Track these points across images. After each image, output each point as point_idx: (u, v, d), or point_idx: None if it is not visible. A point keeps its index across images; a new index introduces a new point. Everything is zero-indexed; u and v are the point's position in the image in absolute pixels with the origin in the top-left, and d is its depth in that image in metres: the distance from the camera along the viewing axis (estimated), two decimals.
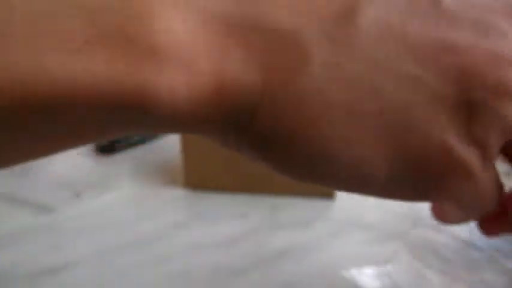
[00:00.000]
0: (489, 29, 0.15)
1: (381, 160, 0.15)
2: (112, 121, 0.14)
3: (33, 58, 0.12)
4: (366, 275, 0.26)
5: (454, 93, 0.14)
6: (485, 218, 0.21)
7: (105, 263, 0.32)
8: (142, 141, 0.58)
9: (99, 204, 0.41)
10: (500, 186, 0.18)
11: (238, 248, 0.33)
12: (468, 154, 0.15)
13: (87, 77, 0.12)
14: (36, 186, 0.43)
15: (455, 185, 0.15)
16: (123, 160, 0.52)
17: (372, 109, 0.14)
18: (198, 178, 0.43)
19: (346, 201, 0.41)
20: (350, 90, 0.14)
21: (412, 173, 0.15)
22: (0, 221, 0.38)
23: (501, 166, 0.43)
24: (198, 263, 0.31)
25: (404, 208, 0.35)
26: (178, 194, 0.43)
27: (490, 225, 0.22)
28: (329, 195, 0.40)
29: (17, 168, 0.46)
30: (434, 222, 0.32)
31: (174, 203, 0.41)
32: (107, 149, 0.54)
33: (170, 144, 0.57)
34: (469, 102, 0.14)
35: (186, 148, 0.42)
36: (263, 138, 0.15)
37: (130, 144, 0.56)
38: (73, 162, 0.48)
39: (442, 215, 0.21)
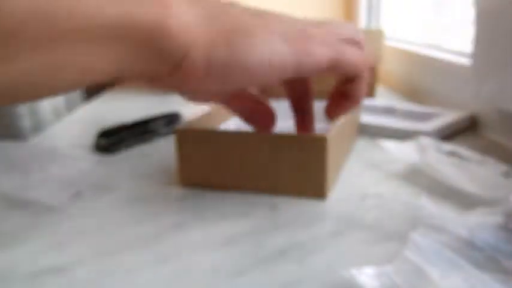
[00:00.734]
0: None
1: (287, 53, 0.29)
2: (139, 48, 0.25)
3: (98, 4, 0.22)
4: (366, 275, 0.26)
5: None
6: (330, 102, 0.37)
7: (105, 263, 0.32)
8: (142, 141, 0.58)
9: (99, 204, 0.41)
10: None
11: (238, 248, 0.33)
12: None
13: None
14: (36, 186, 0.43)
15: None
16: (123, 160, 0.52)
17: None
18: (192, 176, 0.43)
19: (346, 201, 0.41)
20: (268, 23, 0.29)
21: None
22: (0, 221, 0.38)
23: (500, 166, 0.43)
24: (198, 263, 0.31)
25: (404, 208, 0.35)
26: (178, 194, 0.43)
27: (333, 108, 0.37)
28: (321, 195, 0.41)
29: (18, 168, 0.46)
30: (434, 222, 0.32)
31: (173, 203, 0.41)
32: (107, 149, 0.54)
33: (170, 144, 0.57)
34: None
35: (180, 148, 0.43)
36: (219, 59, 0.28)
37: (130, 144, 0.56)
38: (73, 163, 0.48)
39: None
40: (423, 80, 0.84)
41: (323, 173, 0.40)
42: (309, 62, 0.30)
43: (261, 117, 0.39)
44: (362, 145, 0.56)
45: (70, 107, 0.82)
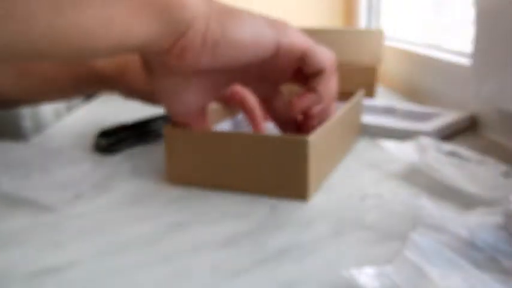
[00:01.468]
0: None
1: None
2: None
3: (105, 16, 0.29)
4: (366, 275, 0.26)
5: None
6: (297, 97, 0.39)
7: (105, 263, 0.32)
8: (142, 141, 0.58)
9: (99, 204, 0.41)
10: None
11: (238, 248, 0.33)
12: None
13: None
14: (36, 186, 0.43)
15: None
16: (123, 160, 0.52)
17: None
18: (178, 175, 0.44)
19: (346, 201, 0.41)
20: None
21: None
22: (0, 221, 0.38)
23: (500, 166, 0.43)
24: (198, 263, 0.31)
25: (404, 208, 0.35)
26: (178, 194, 0.43)
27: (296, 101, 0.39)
28: (303, 197, 0.41)
29: (18, 168, 0.46)
30: (434, 222, 0.32)
31: (174, 203, 0.41)
32: (106, 149, 0.54)
33: None
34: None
35: (169, 147, 0.43)
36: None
37: (130, 144, 0.56)
38: (73, 163, 0.48)
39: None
40: (423, 80, 0.84)
41: (305, 175, 0.40)
42: (286, 43, 0.36)
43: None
44: (362, 145, 0.56)
45: (70, 107, 0.82)
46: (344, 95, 0.54)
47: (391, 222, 0.36)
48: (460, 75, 0.69)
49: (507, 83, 0.52)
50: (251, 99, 0.51)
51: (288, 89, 0.44)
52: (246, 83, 0.42)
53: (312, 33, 0.86)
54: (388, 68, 0.99)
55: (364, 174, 0.47)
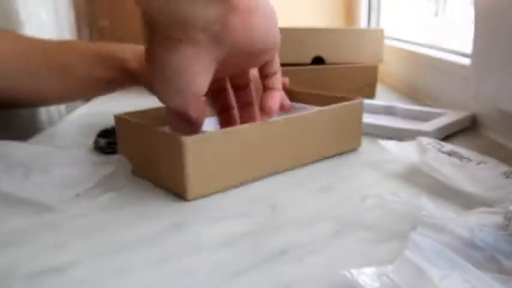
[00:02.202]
0: None
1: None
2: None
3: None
4: (366, 275, 0.26)
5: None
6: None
7: (105, 263, 0.32)
8: None
9: (99, 204, 0.41)
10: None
11: (238, 248, 0.33)
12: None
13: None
14: (36, 186, 0.43)
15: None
16: (123, 160, 0.52)
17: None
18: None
19: (346, 201, 0.41)
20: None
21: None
22: (0, 221, 0.38)
23: (500, 166, 0.43)
24: (198, 263, 0.31)
25: (404, 208, 0.35)
26: (178, 194, 0.43)
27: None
28: (182, 195, 0.41)
29: (18, 168, 0.46)
30: (434, 222, 0.32)
31: (173, 203, 0.41)
32: (105, 149, 0.54)
33: None
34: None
35: (118, 132, 0.44)
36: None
37: None
38: (73, 163, 0.48)
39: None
40: (423, 80, 0.84)
41: (183, 173, 0.40)
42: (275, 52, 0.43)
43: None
44: (362, 145, 0.56)
45: (70, 108, 0.82)
46: (342, 99, 0.53)
47: (391, 222, 0.36)
48: (460, 75, 0.69)
49: (507, 83, 0.52)
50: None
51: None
52: (234, 70, 0.44)
53: (312, 33, 0.86)
54: (388, 67, 0.99)
55: (364, 174, 0.47)
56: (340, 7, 1.39)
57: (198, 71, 0.37)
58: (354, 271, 0.26)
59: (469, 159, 0.45)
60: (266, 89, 0.44)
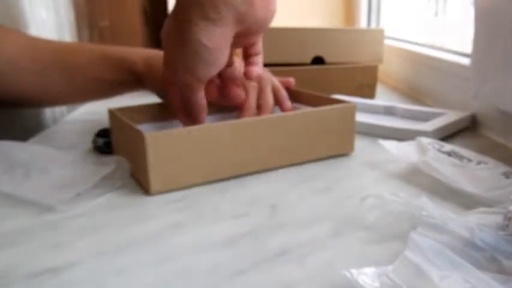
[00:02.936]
0: None
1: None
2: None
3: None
4: (366, 275, 0.26)
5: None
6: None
7: (105, 263, 0.32)
8: None
9: (99, 204, 0.41)
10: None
11: (238, 248, 0.33)
12: None
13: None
14: (36, 186, 0.43)
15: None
16: (122, 160, 0.52)
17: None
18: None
19: (346, 201, 0.41)
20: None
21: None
22: (0, 221, 0.38)
23: (500, 166, 0.43)
24: (198, 263, 0.31)
25: (404, 208, 0.35)
26: (178, 194, 0.43)
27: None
28: (146, 190, 0.42)
29: (18, 168, 0.46)
30: (434, 222, 0.32)
31: (173, 203, 0.41)
32: (104, 148, 0.54)
33: None
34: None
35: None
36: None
37: None
38: (73, 163, 0.48)
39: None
40: (423, 80, 0.84)
41: (146, 168, 0.41)
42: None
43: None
44: (362, 145, 0.56)
45: (70, 107, 0.82)
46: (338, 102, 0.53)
47: (391, 222, 0.36)
48: (460, 75, 0.69)
49: (507, 83, 0.52)
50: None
51: None
52: (239, 45, 0.47)
53: (312, 33, 0.86)
54: (388, 67, 0.99)
55: (364, 174, 0.47)
56: (340, 7, 1.39)
57: (226, 47, 0.41)
58: (354, 271, 0.26)
59: (469, 159, 0.45)
60: (250, 65, 0.47)
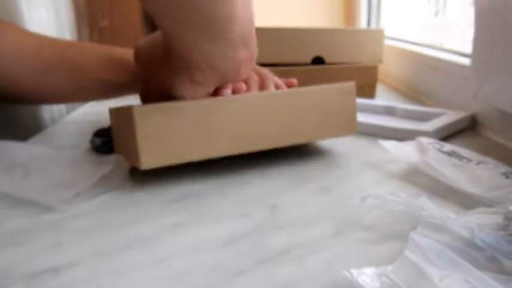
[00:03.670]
0: None
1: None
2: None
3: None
4: (366, 275, 0.26)
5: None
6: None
7: (105, 263, 0.32)
8: None
9: (98, 204, 0.41)
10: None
11: (238, 248, 0.33)
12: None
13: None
14: (36, 186, 0.43)
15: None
16: (122, 159, 0.52)
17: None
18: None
19: (346, 201, 0.41)
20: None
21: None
22: (0, 221, 0.38)
23: (500, 166, 0.43)
24: (198, 263, 0.31)
25: (404, 208, 0.35)
26: (177, 194, 0.43)
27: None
28: (137, 165, 0.42)
29: (18, 168, 0.46)
30: (434, 222, 0.32)
31: (173, 203, 0.41)
32: (101, 148, 0.54)
33: None
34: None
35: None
36: None
37: None
38: (73, 163, 0.48)
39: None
40: (423, 80, 0.84)
41: (135, 143, 0.41)
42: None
43: None
44: (362, 145, 0.56)
45: (70, 108, 0.82)
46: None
47: (391, 222, 0.36)
48: (460, 75, 0.69)
49: (507, 83, 0.52)
50: None
51: None
52: None
53: (312, 33, 0.86)
54: (388, 68, 0.99)
55: (364, 174, 0.47)
56: (340, 7, 1.39)
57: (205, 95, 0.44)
58: (354, 271, 0.26)
59: (469, 160, 0.45)
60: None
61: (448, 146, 0.48)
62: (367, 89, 0.83)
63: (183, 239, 0.35)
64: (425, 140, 0.49)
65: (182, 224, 0.37)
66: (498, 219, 0.32)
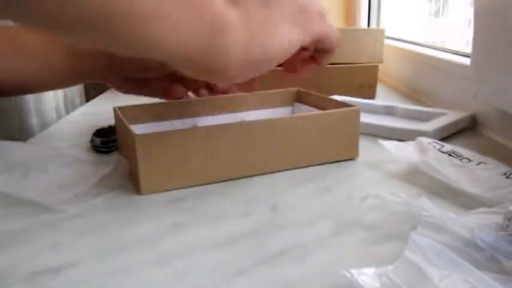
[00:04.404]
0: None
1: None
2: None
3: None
4: (366, 275, 0.26)
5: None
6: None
7: (105, 263, 0.32)
8: None
9: (98, 204, 0.41)
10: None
11: (238, 248, 0.33)
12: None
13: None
14: (36, 186, 0.43)
15: None
16: (121, 159, 0.52)
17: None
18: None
19: (346, 201, 0.41)
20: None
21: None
22: (0, 221, 0.38)
23: (500, 166, 0.43)
24: (198, 263, 0.31)
25: (404, 208, 0.35)
26: (178, 194, 0.43)
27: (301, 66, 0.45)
28: (138, 191, 0.42)
29: (17, 168, 0.46)
30: (434, 222, 0.32)
31: (173, 203, 0.41)
32: (101, 148, 0.54)
33: None
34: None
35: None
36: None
37: None
38: (72, 163, 0.48)
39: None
40: (423, 80, 0.84)
41: (137, 169, 0.41)
42: (308, 37, 0.39)
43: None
44: (362, 145, 0.56)
45: (69, 108, 0.82)
46: (340, 105, 0.52)
47: (391, 222, 0.36)
48: (460, 75, 0.69)
49: (507, 83, 0.52)
50: None
51: None
52: None
53: None
54: (388, 67, 0.99)
55: (364, 174, 0.47)
56: (340, 7, 1.39)
57: None
58: (354, 271, 0.26)
59: (469, 160, 0.45)
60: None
61: (448, 146, 0.48)
62: (367, 89, 0.83)
63: (183, 239, 0.35)
64: (425, 140, 0.49)
65: (182, 224, 0.37)
66: (498, 219, 0.32)
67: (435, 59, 0.79)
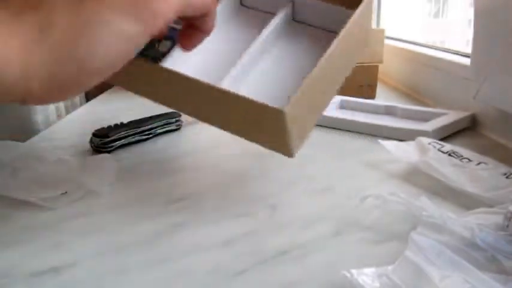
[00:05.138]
0: None
1: None
2: None
3: None
4: (366, 275, 0.26)
5: None
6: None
7: (105, 263, 0.32)
8: (139, 140, 0.58)
9: (98, 204, 0.41)
10: None
11: (238, 248, 0.33)
12: None
13: None
14: (35, 186, 0.43)
15: None
16: (121, 159, 0.52)
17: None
18: None
19: (346, 201, 0.41)
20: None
21: None
22: (0, 221, 0.38)
23: (500, 166, 0.43)
24: (198, 263, 0.31)
25: (404, 208, 0.35)
26: (177, 194, 0.43)
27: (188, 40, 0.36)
28: None
29: (17, 169, 0.46)
30: (434, 222, 0.32)
31: (173, 203, 0.41)
32: (101, 148, 0.54)
33: (167, 143, 0.57)
34: None
35: None
36: None
37: (125, 143, 0.56)
38: (72, 163, 0.48)
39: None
40: (423, 80, 0.84)
41: (285, 138, 0.37)
42: (158, 24, 0.28)
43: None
44: (362, 145, 0.56)
45: (70, 108, 0.82)
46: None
47: (391, 223, 0.36)
48: (460, 75, 0.69)
49: (507, 83, 0.52)
50: None
51: None
52: None
53: None
54: (388, 67, 0.99)
55: (364, 174, 0.47)
56: None
57: None
58: (354, 271, 0.26)
59: (469, 160, 0.45)
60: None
61: (448, 146, 0.48)
62: (367, 89, 0.83)
63: (183, 238, 0.35)
64: (425, 140, 0.49)
65: (182, 224, 0.37)
66: (498, 219, 0.32)
67: (435, 59, 0.79)
